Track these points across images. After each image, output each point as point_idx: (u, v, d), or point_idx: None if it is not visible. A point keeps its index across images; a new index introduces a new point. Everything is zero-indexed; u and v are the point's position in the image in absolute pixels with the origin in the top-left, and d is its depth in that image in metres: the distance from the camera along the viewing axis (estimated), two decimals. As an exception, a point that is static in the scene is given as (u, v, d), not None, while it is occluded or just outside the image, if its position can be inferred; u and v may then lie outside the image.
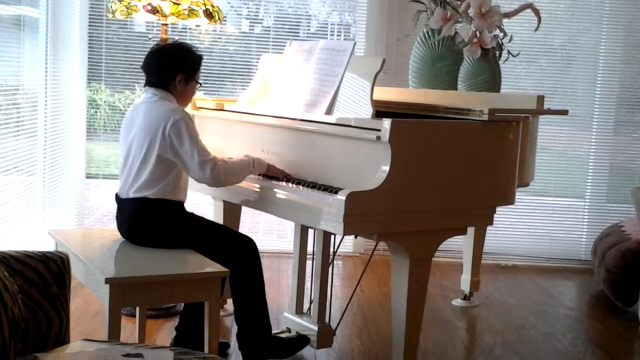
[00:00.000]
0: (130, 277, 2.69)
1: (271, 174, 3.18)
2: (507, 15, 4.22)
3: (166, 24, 3.92)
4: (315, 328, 3.39)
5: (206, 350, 2.82)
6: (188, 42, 3.38)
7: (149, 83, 3.14)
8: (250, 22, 5.63)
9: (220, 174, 3.03)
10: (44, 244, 4.09)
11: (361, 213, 2.68)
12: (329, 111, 3.09)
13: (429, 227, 2.92)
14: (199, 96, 4.05)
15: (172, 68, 3.12)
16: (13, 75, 4.23)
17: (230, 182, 3.14)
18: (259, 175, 3.21)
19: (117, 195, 3.16)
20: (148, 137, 3.01)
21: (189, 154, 2.99)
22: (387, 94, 3.92)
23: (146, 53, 3.20)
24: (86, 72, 5.18)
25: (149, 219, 3.06)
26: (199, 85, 3.26)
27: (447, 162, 2.91)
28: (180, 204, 3.14)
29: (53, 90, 4.68)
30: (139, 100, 3.19)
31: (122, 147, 3.16)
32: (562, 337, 4.02)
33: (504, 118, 3.06)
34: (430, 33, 4.26)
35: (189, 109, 3.74)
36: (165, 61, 3.14)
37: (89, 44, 5.20)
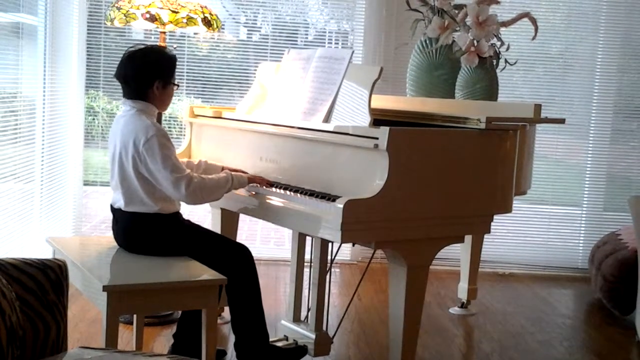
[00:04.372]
0: (128, 285, 2.69)
1: (254, 184, 3.17)
2: (505, 24, 4.23)
3: (164, 32, 3.93)
4: (313, 336, 3.39)
5: (203, 358, 2.81)
6: (159, 45, 3.30)
7: (126, 95, 3.08)
8: (248, 30, 5.64)
9: (196, 190, 2.96)
10: (42, 251, 4.08)
11: (359, 221, 2.69)
12: (327, 119, 3.10)
13: (426, 235, 2.93)
14: (196, 104, 4.05)
15: (148, 75, 3.05)
16: (11, 83, 4.23)
17: (208, 200, 3.08)
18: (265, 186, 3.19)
19: (111, 206, 3.16)
20: (125, 154, 2.99)
21: (162, 172, 2.93)
22: (384, 102, 3.93)
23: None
24: (84, 79, 5.18)
25: (144, 231, 3.05)
26: (177, 87, 3.20)
27: (444, 170, 2.91)
28: (175, 215, 3.13)
29: (51, 97, 4.69)
30: (119, 113, 3.17)
31: (108, 158, 3.15)
32: (559, 345, 4.02)
33: (501, 126, 3.07)
34: (427, 41, 4.27)
35: (187, 114, 3.75)
36: (141, 69, 3.06)
37: (87, 51, 5.21)
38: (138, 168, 2.98)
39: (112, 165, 3.09)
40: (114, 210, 3.13)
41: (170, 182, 2.94)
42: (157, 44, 3.97)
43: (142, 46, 3.15)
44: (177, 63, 3.19)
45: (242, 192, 3.23)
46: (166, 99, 3.17)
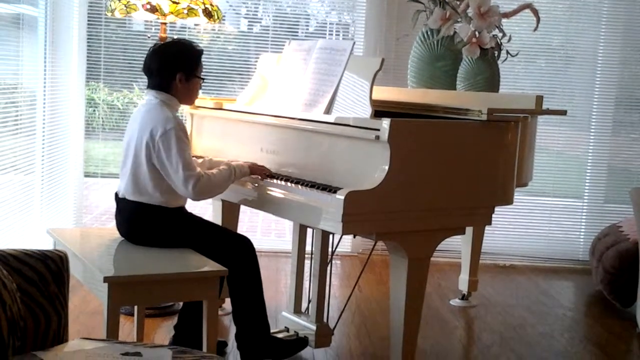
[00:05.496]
0: (129, 276, 2.69)
1: (255, 175, 3.17)
2: (506, 15, 4.22)
3: (165, 23, 3.92)
4: (314, 327, 3.39)
5: (204, 349, 2.82)
6: (187, 39, 3.34)
7: (150, 86, 3.11)
8: (249, 22, 5.63)
9: (203, 188, 2.97)
10: (43, 243, 4.08)
11: (360, 212, 2.68)
12: (328, 111, 3.09)
13: (427, 227, 2.92)
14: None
15: (171, 67, 3.08)
16: (12, 74, 4.22)
17: (213, 195, 3.11)
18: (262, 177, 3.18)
19: (116, 194, 3.16)
20: (140, 142, 3.00)
21: (174, 166, 2.94)
22: (386, 93, 3.92)
23: (145, 53, 3.18)
24: (85, 70, 5.17)
25: (147, 222, 3.05)
26: (202, 80, 3.21)
27: (445, 162, 2.91)
28: (180, 209, 3.13)
29: (51, 88, 4.68)
30: (142, 102, 3.17)
31: (122, 147, 3.16)
32: (560, 337, 4.03)
33: (502, 118, 3.07)
34: (429, 33, 4.26)
35: (187, 108, 3.75)
36: (163, 61, 3.10)
37: (88, 42, 5.19)
38: (151, 158, 2.98)
39: (127, 152, 3.09)
40: (118, 200, 3.13)
41: (180, 177, 2.94)
42: (159, 35, 3.97)
43: (169, 40, 3.16)
44: None
45: (243, 183, 3.23)
46: (191, 93, 3.17)
